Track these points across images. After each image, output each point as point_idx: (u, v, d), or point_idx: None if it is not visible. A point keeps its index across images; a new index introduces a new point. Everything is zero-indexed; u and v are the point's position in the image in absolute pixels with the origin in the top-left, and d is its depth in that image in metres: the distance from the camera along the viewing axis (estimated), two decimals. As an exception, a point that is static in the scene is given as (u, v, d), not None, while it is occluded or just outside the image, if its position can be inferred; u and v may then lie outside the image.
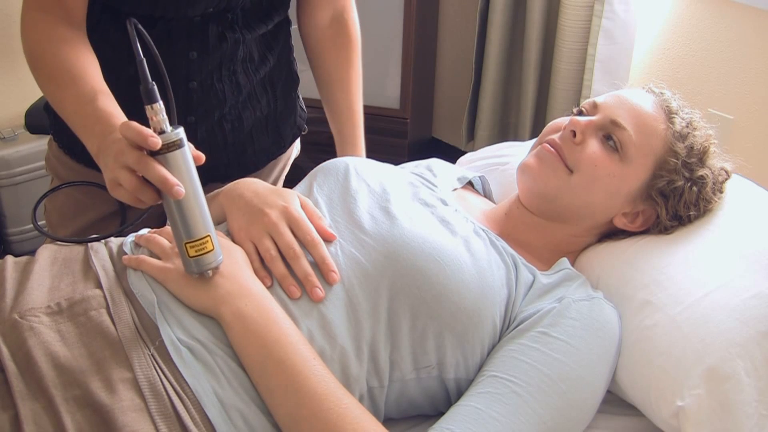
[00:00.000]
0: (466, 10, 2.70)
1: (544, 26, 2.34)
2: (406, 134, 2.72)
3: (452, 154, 1.74)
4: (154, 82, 0.83)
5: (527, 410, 0.88)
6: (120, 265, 0.99)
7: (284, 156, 1.38)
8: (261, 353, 0.86)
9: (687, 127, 1.10)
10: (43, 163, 1.38)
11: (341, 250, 0.98)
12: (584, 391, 0.93)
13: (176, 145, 0.83)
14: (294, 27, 1.31)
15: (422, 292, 0.93)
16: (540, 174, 1.10)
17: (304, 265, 0.94)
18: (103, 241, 1.05)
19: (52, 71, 1.01)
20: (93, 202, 1.26)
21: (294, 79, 1.34)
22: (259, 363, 0.86)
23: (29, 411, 0.81)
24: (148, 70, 0.84)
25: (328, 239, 0.98)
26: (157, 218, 1.14)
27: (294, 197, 1.01)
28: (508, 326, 0.98)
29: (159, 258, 0.97)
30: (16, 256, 1.03)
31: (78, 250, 1.03)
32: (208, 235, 0.88)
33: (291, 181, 1.29)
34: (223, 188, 1.08)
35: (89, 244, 1.03)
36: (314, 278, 0.94)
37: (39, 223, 1.09)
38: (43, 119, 1.30)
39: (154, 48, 0.85)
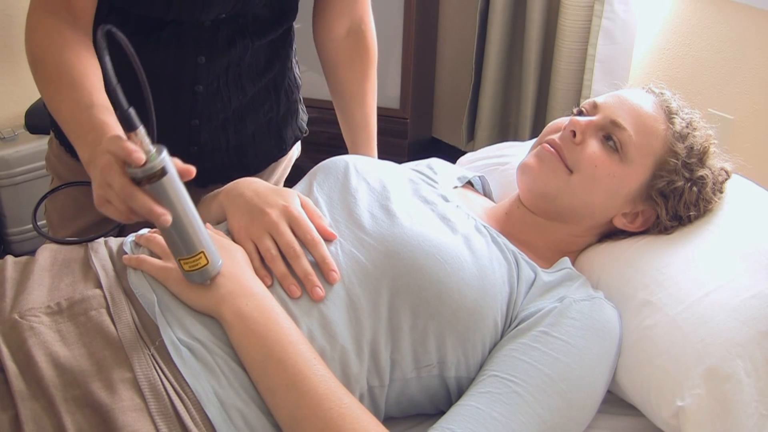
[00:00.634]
0: (466, 10, 2.70)
1: (544, 26, 2.34)
2: (406, 134, 2.72)
3: (452, 154, 1.74)
4: (131, 107, 0.78)
5: (528, 410, 0.88)
6: (120, 265, 0.99)
7: (285, 158, 1.38)
8: (261, 353, 0.86)
9: (687, 127, 1.10)
10: (43, 163, 1.38)
11: (341, 250, 0.98)
12: (584, 391, 0.93)
13: (158, 175, 0.80)
14: (298, 26, 1.31)
15: (423, 291, 0.93)
16: (540, 174, 1.10)
17: (305, 264, 0.94)
18: (103, 241, 1.05)
19: (52, 75, 1.00)
20: (94, 202, 1.26)
21: (296, 83, 1.34)
22: (259, 363, 0.86)
23: (29, 411, 0.81)
24: (122, 93, 0.79)
25: (328, 238, 0.98)
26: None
27: (294, 196, 1.01)
28: (510, 324, 0.98)
29: (159, 258, 0.97)
30: (16, 256, 1.03)
31: (78, 250, 1.03)
32: (201, 252, 0.87)
33: (291, 181, 1.29)
34: (223, 188, 1.08)
35: (89, 244, 1.03)
36: (314, 278, 0.94)
37: (39, 223, 1.09)
38: (43, 119, 1.29)
39: (135, 55, 0.81)
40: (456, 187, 1.19)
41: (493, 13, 2.43)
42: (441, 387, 0.97)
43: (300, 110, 1.37)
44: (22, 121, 2.32)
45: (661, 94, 1.14)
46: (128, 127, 0.78)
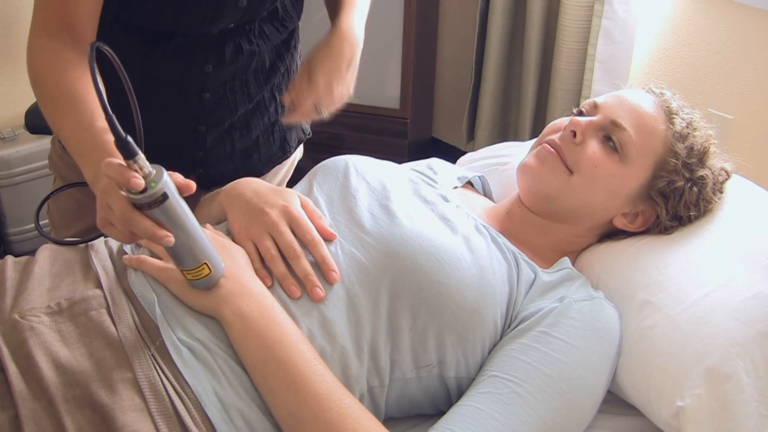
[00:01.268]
0: (466, 10, 2.70)
1: (544, 26, 2.34)
2: (406, 134, 2.72)
3: (452, 154, 1.74)
4: (128, 136, 0.78)
5: (528, 410, 0.88)
6: (120, 265, 0.99)
7: (288, 160, 1.38)
8: (262, 353, 0.86)
9: (687, 127, 1.10)
10: (43, 162, 1.38)
11: (341, 250, 0.98)
12: (585, 391, 0.93)
13: (159, 201, 0.80)
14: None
15: (422, 291, 0.93)
16: (540, 174, 1.10)
17: (305, 264, 0.94)
18: (103, 240, 1.05)
19: (54, 96, 0.99)
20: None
21: None
22: (259, 363, 0.86)
23: (29, 411, 0.81)
24: (117, 123, 0.78)
25: (328, 238, 0.98)
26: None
27: (294, 196, 1.01)
28: (510, 324, 0.98)
29: (159, 258, 0.97)
30: (16, 256, 1.03)
31: (78, 250, 1.03)
32: (204, 263, 0.87)
33: (291, 181, 1.29)
34: (223, 188, 1.08)
35: (89, 244, 1.03)
36: (314, 278, 0.94)
37: (40, 223, 1.09)
38: (43, 119, 1.29)
39: (125, 75, 0.81)
40: (456, 187, 1.19)
41: (493, 13, 2.42)
42: (441, 387, 0.97)
43: None
44: (22, 121, 2.32)
45: (662, 94, 1.14)
46: (127, 155, 0.78)
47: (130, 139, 0.78)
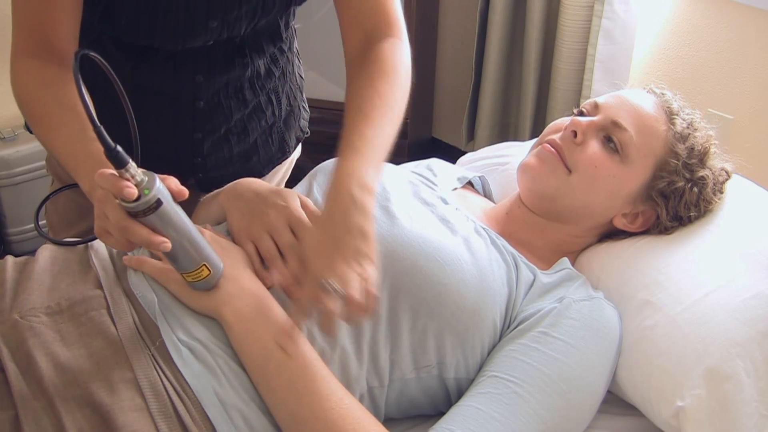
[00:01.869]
0: (466, 10, 2.69)
1: (544, 26, 2.34)
2: (406, 134, 2.71)
3: (452, 154, 1.74)
4: (117, 145, 0.77)
5: (527, 410, 0.88)
6: (120, 265, 0.99)
7: (288, 160, 1.37)
8: (262, 354, 0.86)
9: (688, 128, 1.10)
10: (43, 163, 1.38)
11: (341, 250, 0.97)
12: (584, 391, 0.93)
13: (153, 207, 0.80)
14: (298, 25, 1.29)
15: (422, 292, 0.93)
16: (540, 174, 1.10)
17: (305, 265, 0.94)
18: (103, 240, 1.05)
19: (42, 115, 0.98)
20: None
21: (299, 83, 1.33)
22: (259, 363, 0.86)
23: (29, 411, 0.81)
24: (106, 134, 0.77)
25: (328, 239, 0.98)
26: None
27: (294, 197, 1.01)
28: (509, 326, 0.98)
29: (159, 259, 0.97)
30: (16, 256, 1.03)
31: (78, 250, 1.03)
32: (203, 264, 0.87)
33: (291, 181, 1.29)
34: (223, 188, 1.08)
35: (89, 244, 1.03)
36: (314, 278, 0.93)
37: (39, 223, 1.09)
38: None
39: (116, 79, 0.80)
40: (456, 188, 1.19)
41: (493, 13, 2.42)
42: (440, 388, 0.97)
43: (302, 109, 1.36)
44: (22, 121, 2.28)
45: (662, 94, 1.14)
46: (118, 164, 0.78)
47: (120, 148, 0.78)
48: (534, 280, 1.02)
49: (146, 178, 0.79)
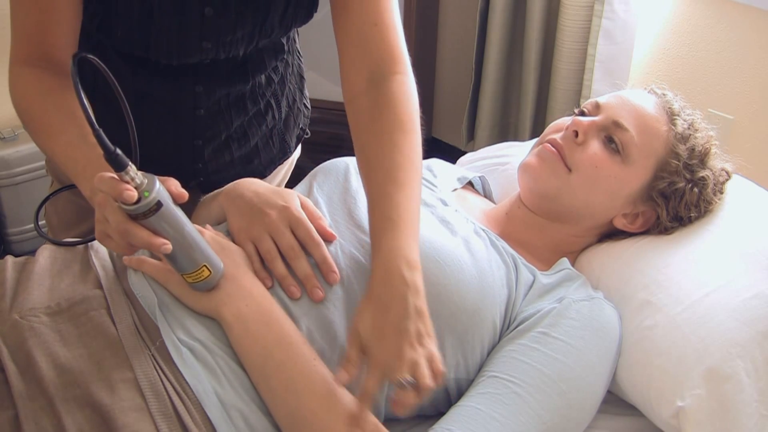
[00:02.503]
0: (466, 10, 2.69)
1: (544, 26, 2.34)
2: (406, 134, 2.70)
3: (452, 154, 1.73)
4: (116, 148, 0.78)
5: (527, 410, 0.88)
6: (120, 265, 0.99)
7: (288, 160, 1.37)
8: (261, 354, 0.86)
9: (689, 128, 1.10)
10: (42, 163, 1.38)
11: (341, 250, 0.98)
12: (584, 391, 0.93)
13: (153, 210, 0.80)
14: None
15: (422, 293, 0.93)
16: (540, 173, 1.10)
17: (305, 265, 0.94)
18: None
19: (42, 123, 0.98)
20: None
21: (299, 84, 1.32)
22: (259, 363, 0.86)
23: (29, 411, 0.81)
24: (105, 137, 0.77)
25: (328, 239, 0.98)
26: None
27: (294, 197, 1.01)
28: (508, 326, 0.98)
29: (159, 259, 0.97)
30: (16, 256, 1.03)
31: (78, 250, 1.03)
32: (204, 265, 0.87)
33: (291, 181, 1.29)
34: (223, 188, 1.08)
35: (89, 245, 1.03)
36: (314, 278, 0.94)
37: (39, 223, 1.09)
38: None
39: (114, 80, 0.80)
40: (455, 189, 1.19)
41: (493, 13, 2.42)
42: (440, 389, 0.96)
43: (303, 108, 1.36)
44: (22, 121, 2.31)
45: (663, 95, 1.14)
46: (117, 167, 0.78)
47: (119, 151, 0.78)
48: (534, 281, 1.02)
49: (146, 181, 0.79)
